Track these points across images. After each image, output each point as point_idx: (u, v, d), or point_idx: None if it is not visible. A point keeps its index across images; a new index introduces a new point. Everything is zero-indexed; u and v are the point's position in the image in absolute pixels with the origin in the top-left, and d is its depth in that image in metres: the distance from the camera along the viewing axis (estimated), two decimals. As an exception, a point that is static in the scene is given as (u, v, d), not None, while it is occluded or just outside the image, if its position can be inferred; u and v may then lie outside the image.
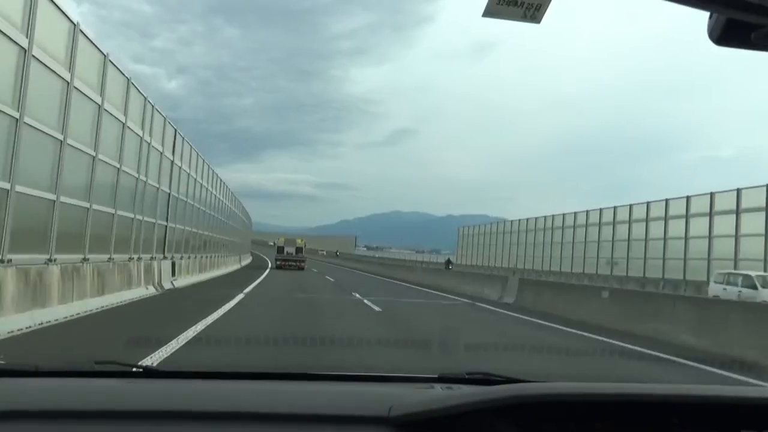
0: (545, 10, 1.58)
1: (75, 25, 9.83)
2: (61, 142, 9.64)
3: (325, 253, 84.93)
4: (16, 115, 8.03)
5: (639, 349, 9.56)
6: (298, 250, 37.30)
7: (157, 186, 16.28)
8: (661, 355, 8.95)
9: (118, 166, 12.88)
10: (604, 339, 10.67)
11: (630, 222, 32.58)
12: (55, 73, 9.18)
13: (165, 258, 17.15)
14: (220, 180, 30.26)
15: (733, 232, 24.69)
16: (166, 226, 17.62)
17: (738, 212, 24.59)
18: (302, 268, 36.03)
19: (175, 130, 18.24)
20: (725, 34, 0.92)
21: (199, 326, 8.86)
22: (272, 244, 39.46)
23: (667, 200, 29.93)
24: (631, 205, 33.08)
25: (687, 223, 27.84)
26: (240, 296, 14.98)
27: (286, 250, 37.16)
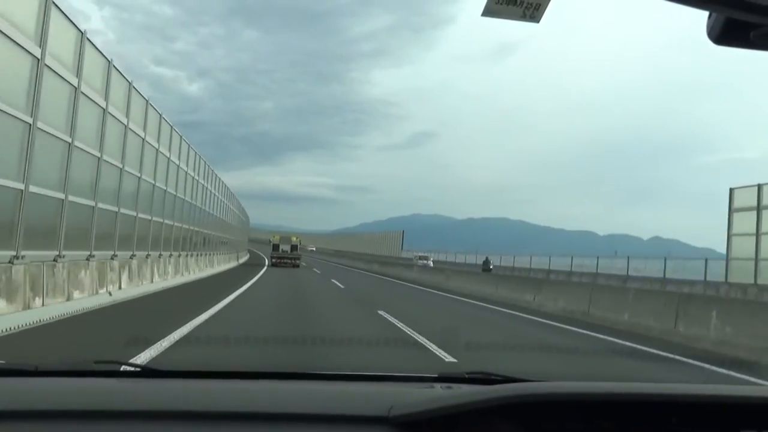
0: (544, 10, 1.58)
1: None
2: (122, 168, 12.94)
3: (429, 263, 42.15)
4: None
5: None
6: (293, 247, 37.73)
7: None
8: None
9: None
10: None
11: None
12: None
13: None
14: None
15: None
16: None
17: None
18: (297, 266, 36.42)
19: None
20: (724, 34, 0.92)
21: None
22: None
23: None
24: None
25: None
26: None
27: (281, 247, 37.58)
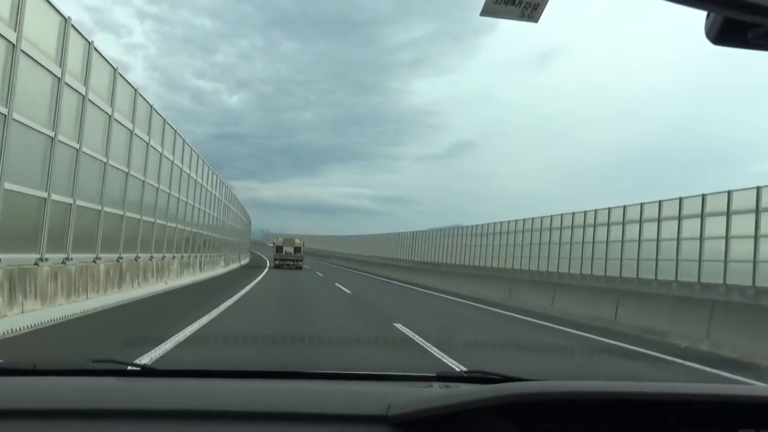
0: (543, 10, 1.59)
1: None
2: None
3: None
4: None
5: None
6: (297, 249, 38.04)
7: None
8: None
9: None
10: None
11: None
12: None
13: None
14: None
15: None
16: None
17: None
18: (300, 267, 36.61)
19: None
20: (722, 34, 0.92)
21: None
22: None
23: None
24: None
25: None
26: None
27: (284, 249, 37.95)
